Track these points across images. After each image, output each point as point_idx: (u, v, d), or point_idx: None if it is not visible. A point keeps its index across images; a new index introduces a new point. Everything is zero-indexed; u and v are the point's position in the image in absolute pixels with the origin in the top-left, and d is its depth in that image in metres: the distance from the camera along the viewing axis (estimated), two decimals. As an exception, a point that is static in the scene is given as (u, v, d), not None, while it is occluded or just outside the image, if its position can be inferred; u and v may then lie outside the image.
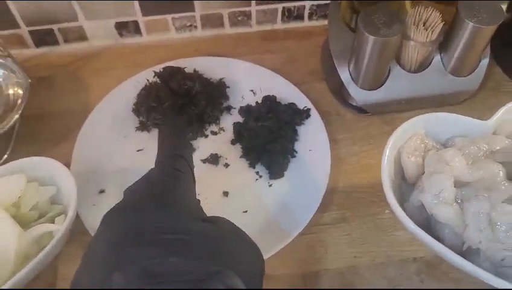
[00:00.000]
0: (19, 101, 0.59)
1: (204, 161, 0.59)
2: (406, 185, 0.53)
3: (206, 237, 0.30)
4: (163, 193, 0.34)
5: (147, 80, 0.64)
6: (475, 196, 0.45)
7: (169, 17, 0.71)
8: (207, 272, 0.27)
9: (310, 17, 0.75)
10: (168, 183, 0.36)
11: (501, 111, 0.52)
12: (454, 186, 0.46)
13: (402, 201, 0.50)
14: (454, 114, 0.53)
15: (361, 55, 0.58)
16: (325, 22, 0.75)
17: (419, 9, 0.58)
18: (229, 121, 0.63)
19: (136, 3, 0.68)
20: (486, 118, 0.52)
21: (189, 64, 0.66)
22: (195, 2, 0.69)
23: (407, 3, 0.63)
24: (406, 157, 0.51)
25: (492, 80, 0.68)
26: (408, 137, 0.52)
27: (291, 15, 0.74)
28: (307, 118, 0.62)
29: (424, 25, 0.58)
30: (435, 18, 0.58)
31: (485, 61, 0.63)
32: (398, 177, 0.52)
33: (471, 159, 0.49)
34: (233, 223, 0.35)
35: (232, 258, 0.30)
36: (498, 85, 0.68)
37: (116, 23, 0.71)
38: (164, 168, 0.38)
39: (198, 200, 0.39)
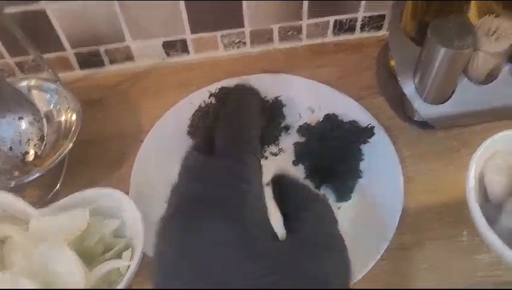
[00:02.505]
0: (73, 128, 0.57)
1: (267, 184, 0.57)
2: (489, 206, 0.49)
3: (282, 259, 0.25)
4: (229, 209, 0.27)
5: (203, 101, 0.62)
6: None
7: (218, 34, 0.69)
8: None
9: (362, 28, 0.72)
10: (233, 199, 0.28)
11: None
12: (551, 208, 0.43)
13: (490, 223, 0.47)
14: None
15: (430, 68, 0.55)
16: (378, 34, 0.73)
17: (489, 19, 0.55)
18: (288, 141, 0.61)
19: (186, 21, 0.66)
20: None
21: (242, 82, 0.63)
22: (245, 18, 0.67)
23: (473, 14, 0.60)
24: (490, 176, 0.48)
25: None
26: (491, 154, 0.49)
27: (342, 27, 0.71)
28: (372, 136, 0.59)
29: (494, 35, 0.55)
30: (505, 28, 0.55)
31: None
32: (481, 198, 0.49)
33: None
34: (328, 223, 0.29)
35: (310, 281, 0.26)
36: None
37: (164, 42, 0.69)
38: (226, 176, 0.29)
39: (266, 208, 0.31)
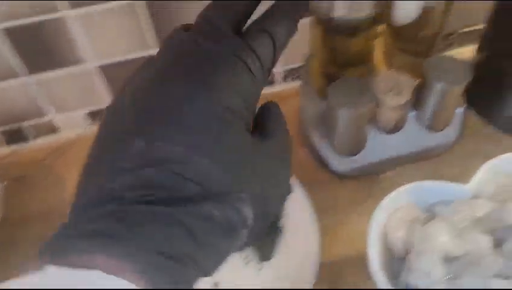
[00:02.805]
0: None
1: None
2: (395, 259, 0.52)
3: (238, 149, 0.28)
4: (201, 76, 0.27)
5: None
6: (466, 271, 0.45)
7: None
8: (219, 187, 0.26)
9: (285, 79, 0.74)
10: (220, 65, 0.28)
11: (480, 173, 0.52)
12: (444, 262, 0.46)
13: (394, 277, 0.49)
14: (432, 181, 0.52)
15: (336, 125, 0.57)
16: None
17: (386, 75, 0.58)
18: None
19: (106, 89, 0.67)
20: (468, 171, 0.52)
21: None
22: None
23: (378, 62, 0.63)
24: (392, 233, 0.51)
25: (468, 126, 0.67)
26: (392, 210, 0.52)
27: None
28: (290, 193, 0.61)
29: (394, 90, 0.58)
30: (403, 82, 0.58)
31: (460, 112, 0.63)
32: (387, 252, 0.52)
33: (457, 230, 0.48)
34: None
35: (257, 181, 0.29)
36: (475, 130, 0.68)
37: (88, 112, 0.70)
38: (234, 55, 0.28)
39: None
